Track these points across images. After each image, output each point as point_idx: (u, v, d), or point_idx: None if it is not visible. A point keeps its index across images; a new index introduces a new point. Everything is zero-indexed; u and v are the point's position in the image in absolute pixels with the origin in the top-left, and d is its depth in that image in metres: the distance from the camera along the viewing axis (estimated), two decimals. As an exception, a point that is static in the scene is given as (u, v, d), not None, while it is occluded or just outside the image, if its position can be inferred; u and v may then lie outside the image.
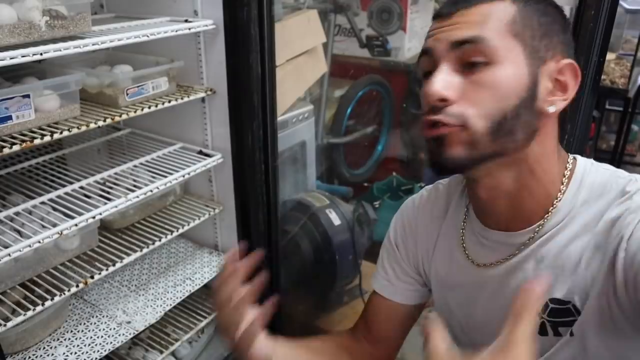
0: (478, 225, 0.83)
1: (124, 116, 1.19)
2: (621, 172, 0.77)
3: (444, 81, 0.71)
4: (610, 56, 3.28)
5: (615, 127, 3.69)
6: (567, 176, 0.77)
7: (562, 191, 0.76)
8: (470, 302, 0.87)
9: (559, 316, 0.75)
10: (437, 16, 0.75)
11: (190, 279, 1.49)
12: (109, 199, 1.20)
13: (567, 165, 0.78)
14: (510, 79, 0.70)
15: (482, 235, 0.83)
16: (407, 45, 2.49)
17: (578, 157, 0.81)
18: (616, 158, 3.45)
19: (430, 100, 0.71)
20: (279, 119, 1.58)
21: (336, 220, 1.77)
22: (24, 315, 1.07)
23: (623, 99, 3.21)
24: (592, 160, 0.80)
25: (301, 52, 1.84)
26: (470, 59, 0.70)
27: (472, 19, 0.71)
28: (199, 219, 1.47)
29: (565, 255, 0.74)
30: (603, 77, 3.09)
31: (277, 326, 1.69)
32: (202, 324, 1.56)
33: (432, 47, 0.73)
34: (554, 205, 0.76)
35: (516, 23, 0.70)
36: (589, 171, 0.77)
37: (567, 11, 1.52)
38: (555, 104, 0.73)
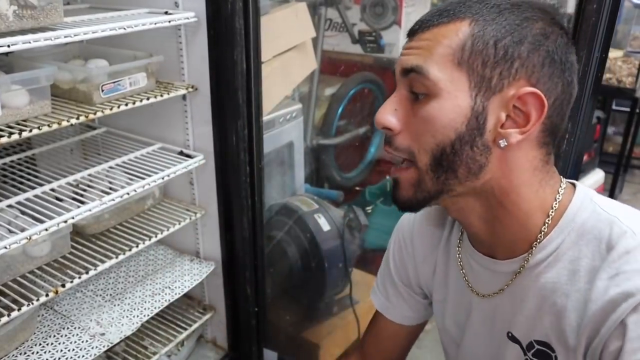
0: (470, 247, 0.84)
1: (99, 114, 1.19)
2: (621, 220, 0.71)
3: (389, 109, 0.74)
4: (617, 54, 3.31)
5: (622, 129, 3.72)
6: (554, 209, 0.74)
7: (547, 225, 0.74)
8: (463, 323, 0.89)
9: (542, 359, 0.76)
10: (407, 35, 0.76)
11: (169, 287, 1.48)
12: (82, 202, 1.20)
13: (557, 197, 0.75)
14: (447, 113, 0.69)
15: (472, 257, 0.84)
16: (402, 41, 2.47)
17: (579, 187, 0.77)
18: (622, 162, 3.48)
19: (377, 127, 0.74)
20: (265, 118, 1.58)
21: (325, 225, 1.77)
22: (-11, 326, 1.06)
23: (630, 99, 3.24)
24: (592, 195, 0.76)
25: (289, 47, 1.84)
26: (415, 90, 0.72)
27: (423, 45, 0.71)
28: (179, 223, 1.47)
29: (552, 301, 0.73)
30: (609, 76, 3.12)
31: (263, 338, 1.69)
32: (182, 336, 1.55)
33: (395, 70, 0.76)
34: (538, 240, 0.74)
35: (465, 50, 0.68)
36: (584, 209, 0.74)
37: (569, 5, 1.53)
38: (507, 138, 0.69)
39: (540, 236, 0.74)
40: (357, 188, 2.40)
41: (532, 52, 0.68)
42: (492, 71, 0.68)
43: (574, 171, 1.12)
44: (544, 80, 0.69)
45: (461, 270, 0.87)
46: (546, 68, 0.68)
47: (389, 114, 0.74)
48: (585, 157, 2.70)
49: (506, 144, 0.69)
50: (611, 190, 3.40)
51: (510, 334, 0.80)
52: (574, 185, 0.78)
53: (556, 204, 0.74)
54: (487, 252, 0.81)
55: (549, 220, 0.74)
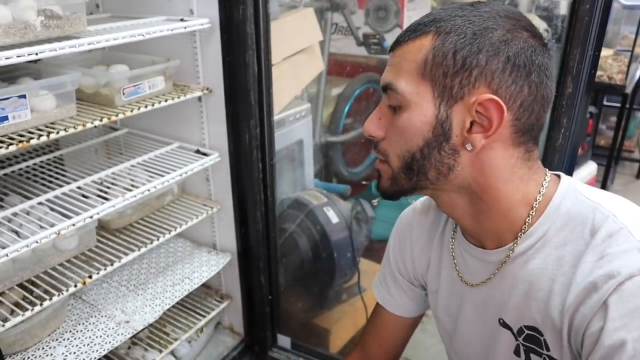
0: (462, 239, 0.85)
1: (121, 116, 1.19)
2: (603, 206, 0.71)
3: (374, 120, 0.77)
4: (608, 52, 3.27)
5: (613, 124, 3.69)
6: (538, 201, 0.74)
7: (531, 216, 0.74)
8: (455, 313, 0.89)
9: (532, 343, 0.76)
10: (388, 52, 0.77)
11: (188, 278, 1.49)
12: (106, 199, 1.20)
13: (541, 189, 0.75)
14: (415, 123, 0.71)
15: (464, 249, 0.84)
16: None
17: (563, 178, 0.77)
18: (614, 154, 3.45)
19: (365, 135, 0.78)
20: (276, 117, 1.58)
21: (334, 218, 1.77)
22: (23, 315, 1.07)
23: (621, 95, 3.21)
24: (575, 185, 0.76)
25: (297, 50, 1.84)
26: (391, 103, 0.74)
27: (395, 62, 0.74)
28: (197, 218, 1.47)
29: (539, 285, 0.73)
30: (601, 73, 3.09)
31: (277, 324, 1.70)
32: (201, 323, 1.56)
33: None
34: (523, 230, 0.74)
35: (427, 63, 0.70)
36: (568, 198, 0.74)
37: (563, 5, 1.52)
38: (473, 142, 0.70)
39: (525, 227, 0.74)
40: (364, 182, 2.40)
41: (491, 59, 0.68)
42: (453, 80, 0.69)
43: (569, 163, 1.11)
44: (507, 85, 0.68)
45: (453, 261, 0.87)
46: (507, 73, 0.68)
47: (374, 124, 0.77)
48: (579, 150, 2.68)
49: (472, 147, 0.70)
50: (603, 181, 3.37)
51: (501, 321, 0.79)
52: (558, 176, 0.78)
53: (540, 196, 0.74)
54: (477, 243, 0.81)
55: (533, 212, 0.74)
